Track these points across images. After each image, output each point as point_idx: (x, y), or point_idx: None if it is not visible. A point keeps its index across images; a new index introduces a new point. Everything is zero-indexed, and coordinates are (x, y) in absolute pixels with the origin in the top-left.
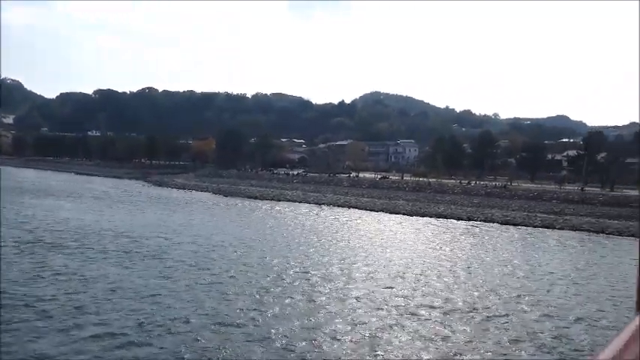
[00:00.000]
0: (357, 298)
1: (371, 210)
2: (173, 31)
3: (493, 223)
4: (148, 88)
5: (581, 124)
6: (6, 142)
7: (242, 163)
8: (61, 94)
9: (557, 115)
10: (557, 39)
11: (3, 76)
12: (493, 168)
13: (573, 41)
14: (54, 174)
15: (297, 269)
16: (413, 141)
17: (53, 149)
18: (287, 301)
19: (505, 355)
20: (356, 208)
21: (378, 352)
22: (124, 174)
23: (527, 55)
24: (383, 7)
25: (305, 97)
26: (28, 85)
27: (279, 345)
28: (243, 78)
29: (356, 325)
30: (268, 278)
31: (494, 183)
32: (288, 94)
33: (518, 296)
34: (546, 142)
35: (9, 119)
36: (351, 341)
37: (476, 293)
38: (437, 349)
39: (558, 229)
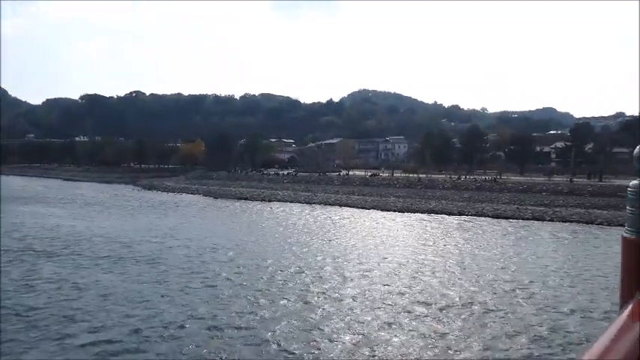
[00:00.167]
0: (352, 297)
1: (362, 208)
2: (159, 34)
3: (484, 217)
4: (135, 92)
5: (568, 115)
6: None
7: (232, 164)
8: (47, 100)
9: (544, 108)
10: (542, 32)
11: None
12: (482, 162)
13: (557, 33)
14: (42, 180)
15: (291, 270)
16: (402, 137)
17: (40, 156)
18: (282, 302)
19: (501, 349)
20: (347, 206)
21: (376, 352)
22: (114, 179)
23: (514, 48)
24: (369, 5)
25: (293, 96)
26: (13, 92)
27: (275, 347)
28: (231, 79)
29: (352, 324)
30: (262, 280)
31: (483, 177)
32: (277, 94)
33: (513, 290)
34: (534, 134)
35: None
36: (348, 341)
37: (470, 288)
38: (434, 346)
39: (549, 220)
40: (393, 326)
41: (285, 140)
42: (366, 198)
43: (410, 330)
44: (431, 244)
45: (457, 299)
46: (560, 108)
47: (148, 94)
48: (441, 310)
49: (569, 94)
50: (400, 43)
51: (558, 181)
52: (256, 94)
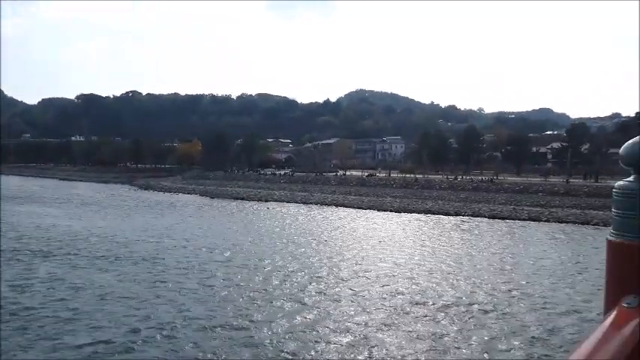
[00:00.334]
0: (348, 298)
1: (359, 208)
2: (155, 34)
3: (481, 217)
4: (131, 91)
5: (564, 116)
6: None
7: (228, 164)
8: (43, 99)
9: (541, 108)
10: (539, 32)
11: None
12: (479, 162)
13: (554, 34)
14: (38, 180)
15: (287, 270)
16: (399, 137)
17: (36, 155)
18: (278, 302)
19: (498, 349)
20: (344, 206)
21: (373, 353)
22: (110, 178)
23: (510, 49)
24: (364, 5)
25: (290, 96)
26: (9, 92)
27: (271, 348)
28: (228, 79)
29: (348, 325)
30: (258, 280)
31: (480, 177)
32: (274, 94)
33: (509, 290)
34: (531, 135)
35: None
36: (344, 342)
37: (467, 289)
38: (430, 347)
39: (545, 221)
40: (390, 327)
41: (282, 140)
42: (362, 198)
43: (407, 331)
44: (427, 244)
45: (453, 300)
46: (557, 109)
47: (144, 93)
48: (437, 310)
49: (566, 94)
50: (397, 43)
51: (554, 181)
52: (253, 94)
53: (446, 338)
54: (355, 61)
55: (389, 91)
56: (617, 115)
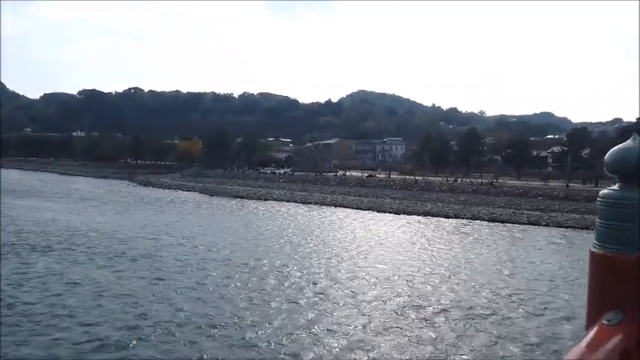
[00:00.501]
0: (346, 300)
1: (358, 209)
2: (158, 32)
3: (480, 220)
4: (133, 88)
5: (565, 120)
6: None
7: (229, 162)
8: (45, 94)
9: (542, 112)
10: (542, 36)
11: None
12: (479, 165)
13: (557, 38)
14: (38, 174)
15: (284, 270)
16: (400, 139)
17: (37, 150)
18: (275, 303)
19: (496, 355)
20: (343, 206)
21: (369, 356)
22: (110, 174)
23: (513, 52)
24: (368, 5)
25: (292, 96)
26: (11, 86)
27: (267, 348)
28: (230, 78)
29: (345, 327)
30: (256, 280)
31: (480, 180)
32: (275, 93)
33: (509, 295)
34: (531, 138)
35: None
36: (341, 345)
37: (465, 293)
38: (428, 351)
39: (544, 225)
40: (388, 330)
41: (282, 139)
42: (362, 199)
43: (405, 335)
44: (426, 247)
45: (452, 304)
46: (559, 113)
47: (146, 90)
48: (436, 314)
49: (568, 99)
50: (399, 45)
51: (554, 185)
52: (255, 94)
53: (445, 343)
54: (357, 62)
55: (391, 93)
56: (618, 121)
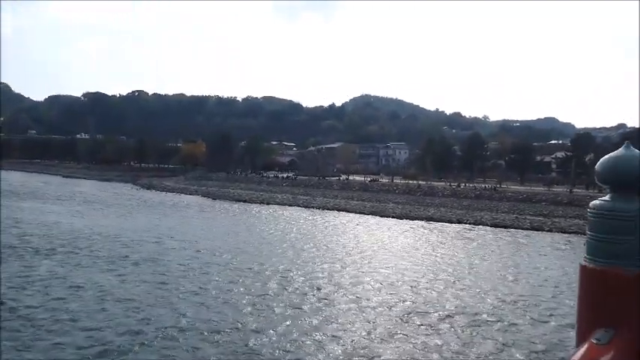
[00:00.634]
0: (349, 306)
1: (361, 213)
2: (159, 34)
3: (483, 225)
4: (137, 91)
5: (569, 125)
6: None
7: (232, 166)
8: (49, 96)
9: (546, 117)
10: (546, 41)
11: None
12: (483, 170)
13: (561, 44)
14: (42, 177)
15: (287, 275)
16: (404, 143)
17: (41, 152)
18: (277, 309)
19: None
20: (345, 211)
21: None
22: (114, 177)
23: (517, 57)
24: (371, 9)
25: (295, 100)
26: (16, 88)
27: (271, 355)
28: (234, 82)
29: (348, 334)
30: (259, 285)
31: (483, 185)
32: (279, 97)
33: (513, 302)
34: (535, 143)
35: None
36: (344, 351)
37: (469, 299)
38: (431, 358)
39: (547, 231)
40: (391, 337)
41: (286, 143)
42: (364, 203)
43: (408, 341)
44: (429, 252)
45: (456, 310)
46: (562, 118)
47: (150, 93)
48: (440, 320)
49: (572, 104)
50: (402, 49)
51: (558, 191)
52: (259, 97)
53: (450, 350)
54: (361, 66)
55: (394, 97)
56: (622, 126)
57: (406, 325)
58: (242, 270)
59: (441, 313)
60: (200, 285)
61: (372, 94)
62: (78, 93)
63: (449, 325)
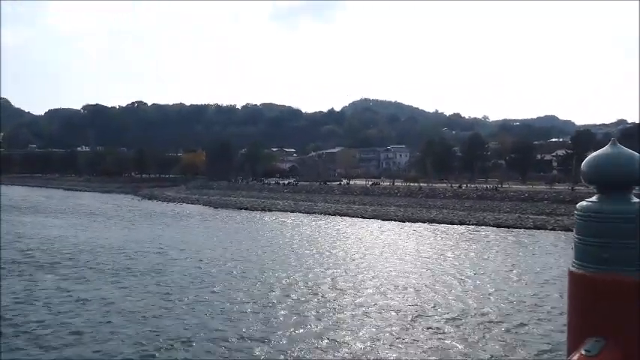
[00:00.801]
0: (352, 310)
1: (362, 217)
2: (161, 41)
3: (485, 226)
4: (137, 102)
5: (569, 123)
6: None
7: (233, 174)
8: (49, 110)
9: (546, 115)
10: (544, 40)
11: None
12: (484, 170)
13: (559, 42)
14: (43, 190)
15: (291, 282)
16: (404, 146)
17: (42, 166)
18: (282, 318)
19: None
20: (347, 215)
21: None
22: (115, 188)
23: (515, 56)
24: (369, 13)
25: (295, 106)
26: (16, 103)
27: None
28: (233, 89)
29: (351, 338)
30: (262, 293)
31: (485, 185)
32: (278, 103)
33: (518, 302)
34: (535, 142)
35: None
36: (347, 356)
37: (472, 300)
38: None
39: (550, 229)
40: (395, 340)
41: (286, 150)
42: (366, 207)
43: (412, 344)
44: (432, 254)
45: (461, 311)
46: (562, 116)
47: (149, 104)
48: (444, 322)
49: (571, 101)
50: (400, 52)
51: (560, 189)
52: (258, 104)
53: (455, 352)
54: (359, 70)
55: (393, 100)
56: (622, 122)
57: (412, 328)
58: (246, 278)
59: (446, 315)
60: (204, 295)
61: (371, 98)
62: (78, 106)
63: (455, 328)
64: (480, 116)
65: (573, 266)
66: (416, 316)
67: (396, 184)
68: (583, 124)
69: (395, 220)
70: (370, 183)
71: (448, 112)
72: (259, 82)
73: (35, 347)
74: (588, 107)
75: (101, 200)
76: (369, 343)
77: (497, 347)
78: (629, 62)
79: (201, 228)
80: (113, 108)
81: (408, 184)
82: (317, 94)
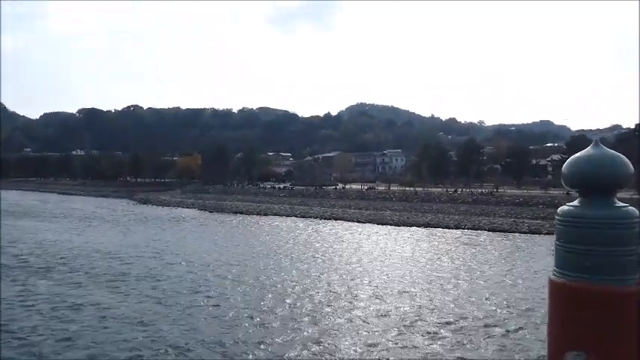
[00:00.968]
0: (348, 316)
1: (358, 221)
2: (160, 46)
3: (481, 230)
4: (133, 105)
5: (564, 128)
6: None
7: (229, 178)
8: (45, 114)
9: (541, 121)
10: (539, 46)
11: None
12: (479, 175)
13: (555, 47)
14: (38, 194)
15: (287, 287)
16: (400, 150)
17: (37, 170)
18: (277, 323)
19: None
20: (343, 220)
21: None
22: (110, 192)
23: (510, 61)
24: (366, 18)
25: (291, 110)
26: (11, 106)
27: None
28: (230, 93)
29: (348, 344)
30: (257, 298)
31: (480, 190)
32: (275, 107)
33: (513, 306)
34: (531, 147)
35: None
36: None
37: (468, 304)
38: None
39: (546, 234)
40: (391, 345)
41: (282, 154)
42: (362, 212)
43: (409, 349)
44: (427, 259)
45: (455, 316)
46: (557, 121)
47: (145, 107)
48: (440, 327)
49: (566, 107)
50: (397, 57)
51: (555, 194)
52: (254, 108)
53: (451, 356)
54: (356, 75)
55: (389, 105)
56: (617, 127)
57: (408, 333)
58: (241, 283)
59: (442, 320)
60: (200, 300)
61: (368, 102)
62: (73, 109)
63: (451, 332)
64: (475, 121)
65: (554, 274)
66: (412, 321)
67: (391, 188)
68: (578, 129)
69: (390, 225)
70: (366, 187)
71: (444, 117)
72: (256, 86)
73: (29, 354)
74: (583, 112)
75: (96, 204)
76: (365, 348)
77: (493, 352)
78: (624, 68)
79: (196, 232)
80: (109, 112)
81: (403, 188)
82: (314, 98)
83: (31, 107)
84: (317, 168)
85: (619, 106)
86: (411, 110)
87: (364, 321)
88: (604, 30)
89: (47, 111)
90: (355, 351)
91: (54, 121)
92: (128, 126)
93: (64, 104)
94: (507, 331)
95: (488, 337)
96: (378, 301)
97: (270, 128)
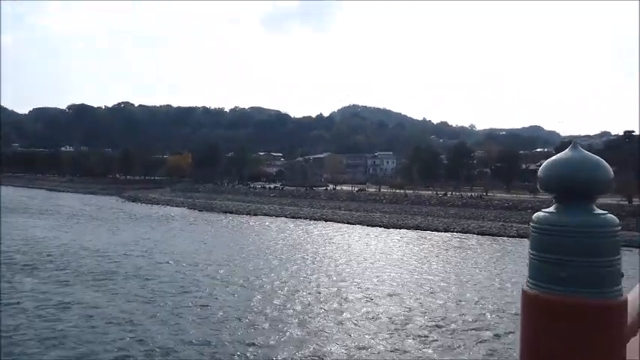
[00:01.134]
0: (336, 318)
1: (348, 223)
2: (159, 34)
3: (470, 234)
4: (123, 102)
5: (554, 133)
6: None
7: (219, 177)
8: (34, 109)
9: (532, 126)
10: (531, 51)
11: None
12: (469, 178)
13: (547, 53)
14: (25, 190)
15: (275, 288)
16: (391, 153)
17: (25, 166)
18: (265, 324)
19: None
20: (332, 221)
21: None
22: (98, 190)
23: (503, 66)
24: (360, 20)
25: (283, 110)
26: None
27: None
28: (222, 92)
29: (336, 346)
30: (245, 299)
31: (470, 193)
32: (267, 107)
33: (501, 310)
34: (521, 151)
35: None
36: None
37: (456, 308)
38: None
39: None
40: (377, 348)
41: (273, 154)
42: (352, 213)
43: (396, 352)
44: (416, 261)
45: (444, 319)
46: (547, 126)
47: (137, 105)
48: (428, 330)
49: (556, 113)
50: (390, 60)
51: (544, 198)
52: (247, 107)
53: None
54: (348, 77)
55: (381, 107)
56: (606, 134)
57: (397, 336)
58: (230, 283)
59: (431, 323)
60: (188, 299)
61: (360, 104)
62: (63, 105)
63: (440, 335)
64: (467, 125)
65: (527, 285)
66: (402, 324)
67: (382, 190)
68: (568, 134)
69: (380, 227)
70: (356, 189)
71: (436, 120)
72: (249, 85)
73: (13, 354)
74: (573, 119)
75: (84, 201)
76: (354, 351)
77: (483, 356)
78: (614, 75)
79: (185, 231)
80: (99, 108)
81: (393, 190)
82: (306, 99)
83: (20, 102)
84: (308, 169)
85: (608, 113)
86: (403, 113)
87: (354, 323)
88: (598, 35)
89: (36, 106)
90: (344, 353)
91: (43, 116)
92: (118, 123)
93: (53, 100)
94: (497, 335)
95: (478, 341)
96: (367, 303)
97: (262, 128)
